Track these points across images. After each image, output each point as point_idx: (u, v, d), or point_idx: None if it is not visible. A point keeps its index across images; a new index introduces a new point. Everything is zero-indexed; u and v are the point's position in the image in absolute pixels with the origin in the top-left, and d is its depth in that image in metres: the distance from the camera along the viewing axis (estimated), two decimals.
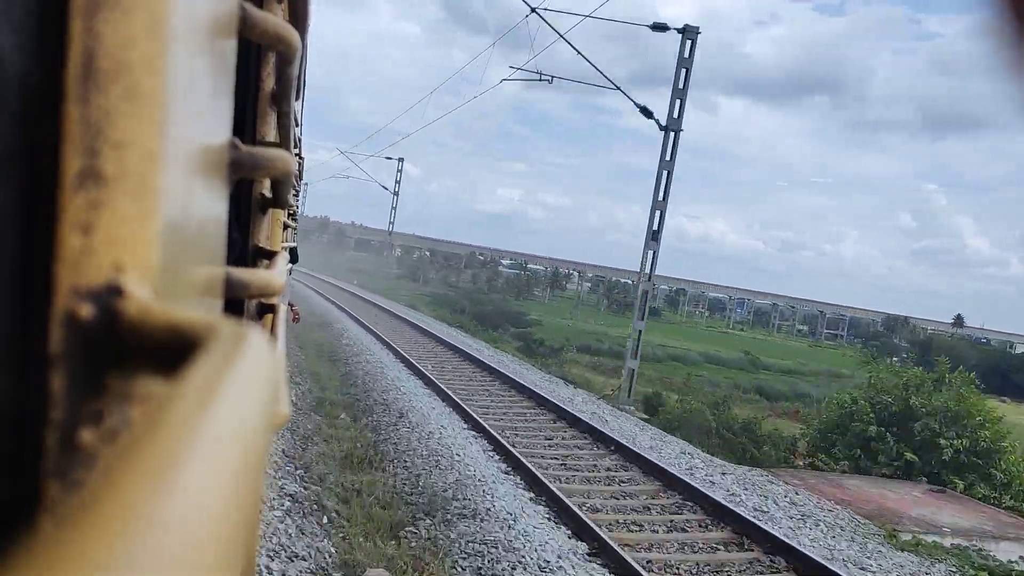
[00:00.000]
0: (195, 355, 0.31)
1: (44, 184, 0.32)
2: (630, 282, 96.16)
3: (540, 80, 21.84)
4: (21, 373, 0.31)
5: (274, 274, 0.92)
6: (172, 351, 0.33)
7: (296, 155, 2.73)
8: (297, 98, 1.87)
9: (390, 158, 44.59)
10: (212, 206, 0.55)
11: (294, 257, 3.23)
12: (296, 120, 2.18)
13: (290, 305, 6.45)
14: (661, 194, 18.43)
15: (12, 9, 0.30)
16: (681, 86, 17.95)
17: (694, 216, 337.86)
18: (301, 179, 4.77)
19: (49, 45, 0.31)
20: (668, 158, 18.26)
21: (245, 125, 1.17)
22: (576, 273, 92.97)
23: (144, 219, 0.34)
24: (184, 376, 0.29)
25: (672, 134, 18.06)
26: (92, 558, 0.19)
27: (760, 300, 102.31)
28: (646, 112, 18.25)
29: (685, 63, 17.80)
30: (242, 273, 0.80)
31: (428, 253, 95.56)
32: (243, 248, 1.24)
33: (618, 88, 19.02)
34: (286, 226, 2.41)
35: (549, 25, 18.83)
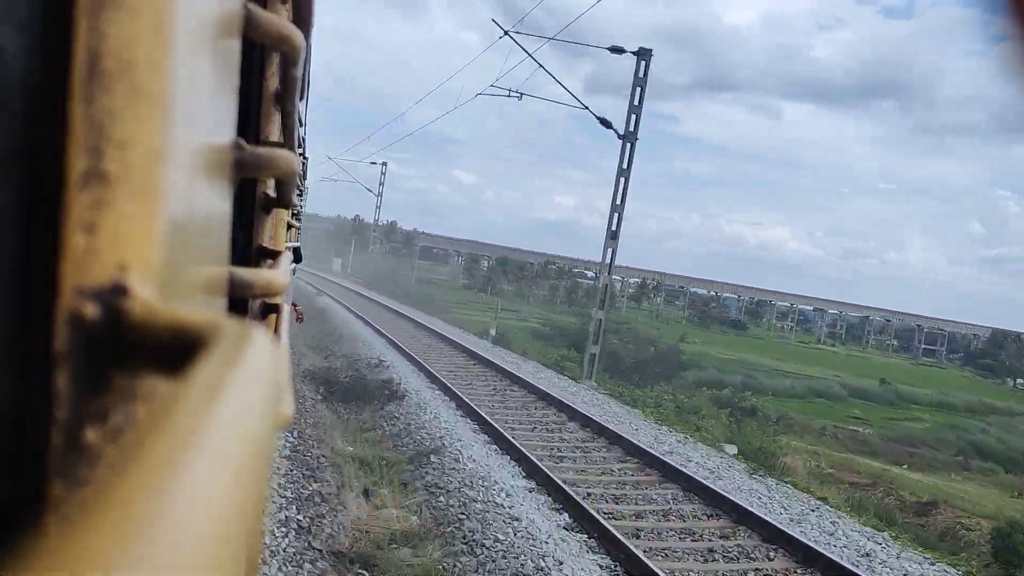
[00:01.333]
0: (199, 354, 0.31)
1: (49, 183, 0.32)
2: (713, 294, 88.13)
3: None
4: (26, 372, 0.31)
5: (277, 274, 0.92)
6: (176, 350, 0.33)
7: (300, 155, 2.73)
8: (301, 98, 1.88)
9: (624, 48, 21.27)
10: (216, 205, 0.55)
11: (297, 257, 3.23)
12: (300, 120, 2.18)
13: (293, 305, 6.45)
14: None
15: (17, 9, 0.31)
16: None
17: (755, 223, 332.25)
18: (305, 179, 4.77)
19: (54, 45, 0.32)
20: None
21: (249, 125, 1.17)
22: (649, 282, 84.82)
23: (148, 219, 0.34)
24: (188, 375, 0.29)
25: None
26: (96, 556, 0.19)
27: (836, 310, 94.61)
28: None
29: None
30: (245, 273, 0.80)
31: (494, 260, 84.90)
32: (246, 248, 1.25)
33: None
34: (290, 226, 2.41)
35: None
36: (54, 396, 0.31)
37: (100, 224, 0.32)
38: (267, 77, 1.21)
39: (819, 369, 41.58)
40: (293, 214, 2.68)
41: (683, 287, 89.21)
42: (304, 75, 1.87)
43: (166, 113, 0.35)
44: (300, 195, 3.73)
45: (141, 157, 0.34)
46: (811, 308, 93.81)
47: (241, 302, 1.05)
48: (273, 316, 1.36)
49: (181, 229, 0.40)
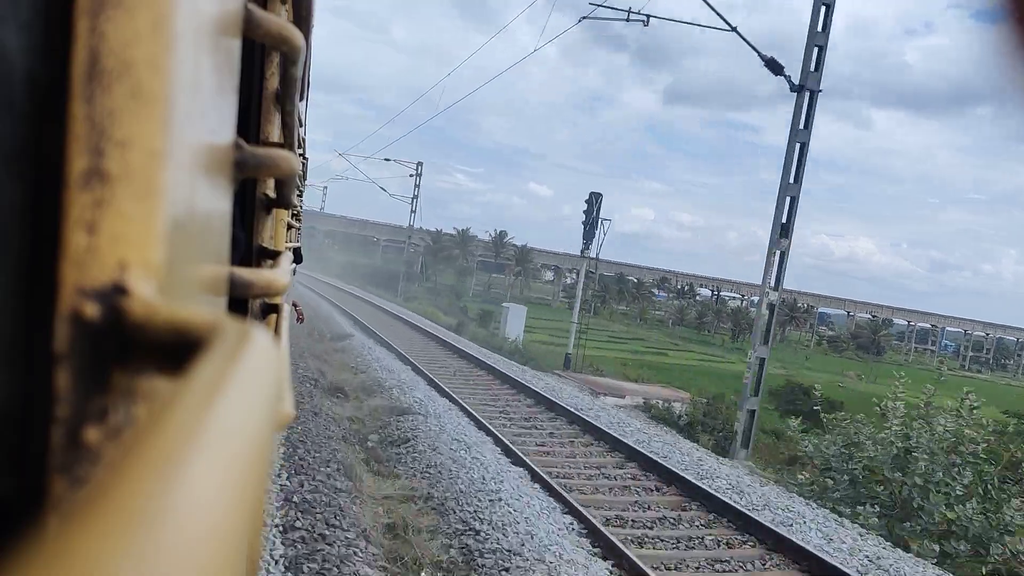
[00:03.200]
0: (199, 353, 0.31)
1: (49, 183, 0.32)
2: (846, 313, 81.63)
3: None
4: (26, 371, 0.31)
5: (278, 274, 0.92)
6: (176, 349, 0.33)
7: (300, 155, 2.73)
8: (301, 98, 1.88)
9: None
10: (216, 205, 0.55)
11: (298, 258, 3.23)
12: (300, 120, 2.18)
13: (293, 304, 6.45)
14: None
15: (18, 9, 0.31)
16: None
17: (838, 235, 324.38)
18: (305, 179, 4.77)
19: (54, 45, 0.32)
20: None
21: (249, 125, 1.17)
22: (800, 305, 75.38)
23: (148, 218, 0.34)
24: (188, 374, 0.29)
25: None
26: (97, 554, 0.19)
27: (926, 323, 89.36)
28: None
29: None
30: (246, 272, 0.81)
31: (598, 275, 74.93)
32: (247, 248, 1.25)
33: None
34: (290, 226, 2.41)
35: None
36: (55, 395, 0.31)
37: (101, 223, 0.32)
38: (267, 77, 1.21)
39: None
40: (293, 214, 2.68)
41: (812, 307, 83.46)
42: (304, 75, 1.87)
43: (166, 113, 0.35)
44: (300, 195, 3.73)
45: (142, 157, 0.34)
46: (926, 325, 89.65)
47: (241, 302, 1.05)
48: (273, 316, 1.36)
49: (182, 228, 0.40)
